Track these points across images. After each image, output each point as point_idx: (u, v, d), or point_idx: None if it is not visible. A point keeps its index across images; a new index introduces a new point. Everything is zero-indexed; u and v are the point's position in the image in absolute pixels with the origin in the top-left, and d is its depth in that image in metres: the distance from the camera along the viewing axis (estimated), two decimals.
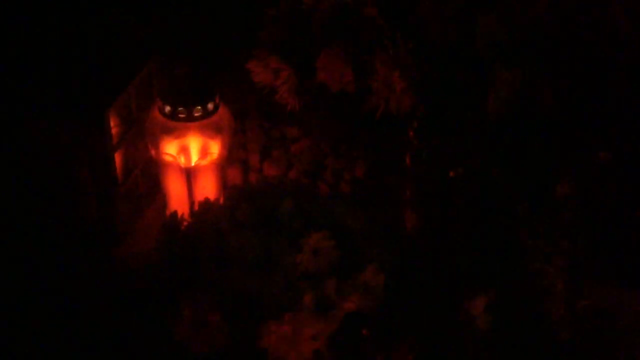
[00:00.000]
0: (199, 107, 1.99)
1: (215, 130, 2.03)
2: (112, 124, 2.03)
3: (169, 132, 2.02)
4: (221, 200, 2.02)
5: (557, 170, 1.86)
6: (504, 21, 1.96)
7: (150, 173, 2.17)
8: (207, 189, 2.07)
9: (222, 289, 1.76)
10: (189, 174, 2.06)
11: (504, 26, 1.95)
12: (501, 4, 1.95)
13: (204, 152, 2.04)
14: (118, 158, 2.08)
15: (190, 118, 1.99)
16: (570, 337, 1.76)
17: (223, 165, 2.12)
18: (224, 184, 2.12)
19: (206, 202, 1.94)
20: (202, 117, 2.00)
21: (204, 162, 2.05)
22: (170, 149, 2.03)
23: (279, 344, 1.68)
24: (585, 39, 1.95)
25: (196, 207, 1.95)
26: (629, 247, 1.91)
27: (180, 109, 1.98)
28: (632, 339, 1.83)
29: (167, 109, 1.98)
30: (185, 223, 1.92)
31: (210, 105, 2.00)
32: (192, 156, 2.04)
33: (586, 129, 1.91)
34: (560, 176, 1.85)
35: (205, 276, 1.78)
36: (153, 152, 2.06)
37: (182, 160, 2.04)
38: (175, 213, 1.93)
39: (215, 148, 2.05)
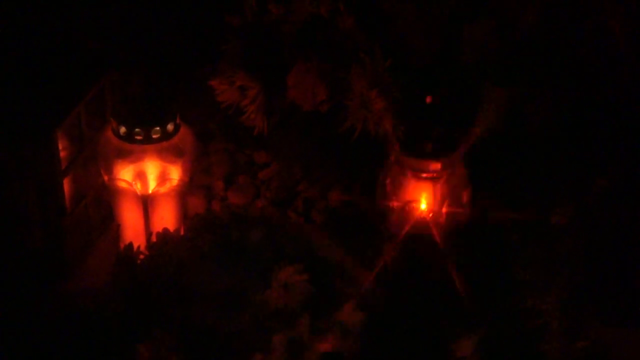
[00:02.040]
0: (158, 128, 1.98)
1: (176, 154, 2.03)
2: (60, 146, 2.02)
3: (124, 155, 2.01)
4: (182, 231, 2.02)
5: (552, 197, 1.88)
6: (493, 31, 1.99)
7: (103, 201, 2.16)
8: (166, 218, 2.07)
9: (184, 327, 1.75)
10: (146, 202, 2.06)
11: (494, 36, 1.99)
12: (490, 13, 1.99)
13: (162, 178, 2.04)
14: (67, 184, 2.07)
15: (147, 140, 1.99)
16: None
17: (184, 193, 2.12)
18: (184, 213, 2.13)
19: (165, 233, 1.94)
20: (160, 139, 2.00)
21: (163, 189, 2.05)
22: (125, 174, 2.03)
23: None
24: (578, 53, 1.99)
25: (154, 239, 1.95)
26: (630, 282, 1.93)
27: (136, 130, 1.98)
28: None
29: (122, 130, 1.98)
30: (141, 256, 1.91)
31: (170, 126, 2.00)
32: (149, 182, 2.04)
33: (581, 154, 1.94)
34: (556, 204, 1.86)
35: (165, 314, 1.78)
36: (106, 177, 2.05)
37: (138, 186, 2.03)
38: (130, 245, 1.93)
39: (176, 173, 2.04)
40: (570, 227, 1.85)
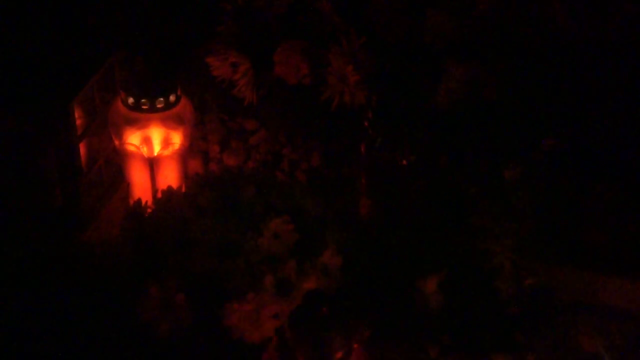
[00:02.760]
0: (162, 99, 2.00)
1: (177, 122, 2.04)
2: (76, 116, 2.02)
3: (132, 123, 2.02)
4: (183, 189, 2.02)
5: (505, 156, 1.89)
6: (451, 15, 1.97)
7: (114, 163, 2.17)
8: (170, 178, 2.08)
9: (187, 271, 1.76)
10: (152, 164, 2.07)
11: (452, 20, 1.97)
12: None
13: (166, 143, 2.05)
14: (82, 149, 2.07)
15: (152, 109, 2.01)
16: (518, 312, 1.79)
17: (185, 155, 2.12)
18: (185, 174, 2.13)
19: (169, 190, 1.94)
20: (164, 109, 2.01)
21: (167, 152, 2.06)
22: (133, 139, 2.04)
23: (242, 323, 1.69)
24: (527, 34, 1.99)
25: (159, 195, 1.96)
26: (573, 229, 1.93)
27: (143, 100, 2.00)
28: (573, 314, 1.88)
29: (130, 100, 2.00)
30: (148, 210, 1.92)
31: (172, 97, 2.01)
32: (154, 146, 2.05)
33: (531, 119, 1.96)
34: (508, 162, 1.87)
35: (170, 260, 1.78)
36: (117, 142, 2.07)
37: (145, 150, 2.04)
38: (139, 201, 1.94)
39: (177, 138, 2.05)
40: (522, 180, 1.85)
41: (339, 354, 1.65)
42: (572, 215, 1.93)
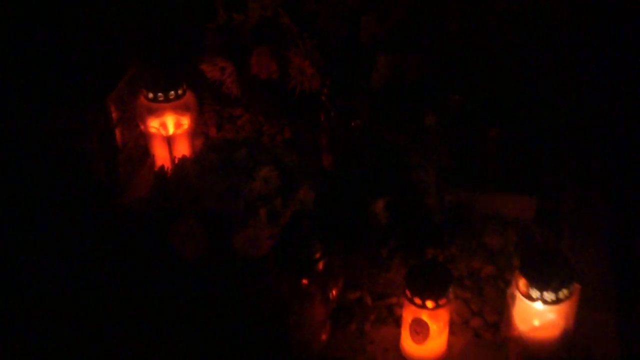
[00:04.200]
0: (172, 92, 2.04)
1: (185, 109, 2.08)
2: (111, 109, 2.06)
3: (152, 112, 2.06)
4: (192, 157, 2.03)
5: (424, 110, 1.94)
6: (379, 20, 2.03)
7: (141, 142, 2.20)
8: (182, 150, 2.10)
9: (202, 212, 1.80)
10: (169, 141, 2.10)
11: (380, 24, 2.03)
12: (376, 9, 2.02)
13: (178, 125, 2.08)
14: (118, 133, 2.11)
15: (166, 100, 2.04)
16: (441, 221, 1.87)
17: (192, 135, 2.14)
18: (193, 147, 2.15)
19: (182, 159, 1.97)
20: (175, 99, 2.05)
21: (179, 132, 2.09)
22: (153, 124, 2.07)
23: (245, 245, 1.74)
24: (429, 32, 2.06)
25: (176, 162, 1.98)
26: (477, 160, 2.01)
27: (159, 94, 2.03)
28: (482, 222, 1.96)
29: (150, 95, 2.03)
30: (169, 174, 1.95)
31: (180, 91, 2.05)
32: (169, 128, 2.08)
33: (441, 83, 2.00)
34: (426, 113, 1.93)
35: (188, 205, 1.82)
36: (142, 127, 2.09)
37: (163, 131, 2.08)
38: (162, 167, 1.96)
39: (186, 122, 2.09)
40: (437, 125, 1.90)
41: (318, 255, 1.66)
42: (475, 151, 1.98)
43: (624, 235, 2.00)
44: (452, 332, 1.75)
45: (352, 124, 2.02)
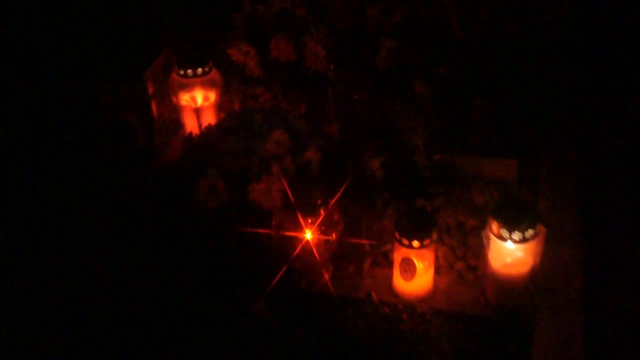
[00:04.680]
0: (201, 69, 2.10)
1: (211, 84, 2.14)
2: (149, 84, 2.14)
3: (183, 86, 2.12)
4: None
5: (416, 80, 1.98)
6: (383, 12, 2.10)
7: (174, 114, 2.26)
8: (209, 120, 2.16)
9: (223, 169, 1.82)
10: (198, 112, 2.17)
11: (384, 14, 2.10)
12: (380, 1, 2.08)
13: (205, 98, 2.15)
14: (154, 106, 2.18)
15: (195, 76, 2.10)
16: (431, 176, 1.91)
17: (217, 107, 2.19)
18: (218, 119, 2.19)
19: (208, 126, 2.06)
20: (202, 75, 2.11)
21: (206, 104, 2.16)
22: (184, 97, 2.13)
23: (260, 197, 1.76)
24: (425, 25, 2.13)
25: (203, 129, 2.07)
26: (462, 125, 2.04)
27: (189, 71, 2.10)
28: (468, 182, 1.99)
29: (181, 71, 2.10)
30: (197, 138, 2.03)
31: (207, 68, 2.12)
32: (198, 101, 2.14)
33: (431, 59, 2.06)
34: (415, 81, 1.96)
35: (212, 163, 1.86)
36: (174, 99, 2.16)
37: (192, 104, 2.14)
38: (190, 134, 2.06)
39: (212, 95, 2.15)
40: (427, 94, 1.94)
41: (319, 201, 1.73)
42: (462, 117, 2.01)
43: (593, 190, 2.05)
44: (438, 274, 1.83)
45: (355, 96, 2.08)
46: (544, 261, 1.71)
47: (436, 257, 1.79)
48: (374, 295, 1.78)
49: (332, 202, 1.77)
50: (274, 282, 1.76)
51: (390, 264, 1.84)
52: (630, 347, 1.75)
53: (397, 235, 1.72)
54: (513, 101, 2.09)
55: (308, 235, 1.75)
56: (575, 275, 1.75)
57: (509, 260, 1.70)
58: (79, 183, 2.07)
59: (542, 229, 1.67)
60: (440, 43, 2.10)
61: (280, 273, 1.77)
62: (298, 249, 1.77)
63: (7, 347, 1.72)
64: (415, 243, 1.72)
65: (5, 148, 2.18)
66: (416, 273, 1.75)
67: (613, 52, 2.53)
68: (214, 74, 2.14)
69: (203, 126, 2.08)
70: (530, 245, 1.68)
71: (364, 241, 1.91)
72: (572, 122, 2.19)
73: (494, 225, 1.68)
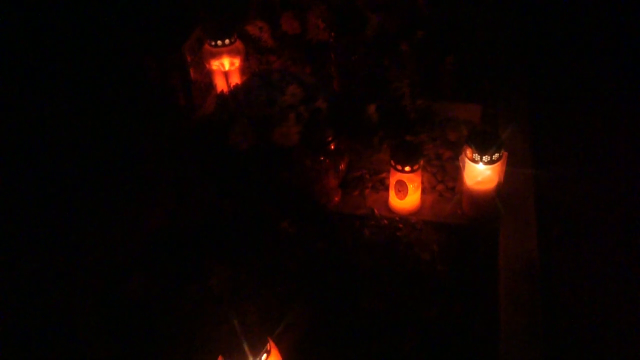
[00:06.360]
0: (227, 40, 2.04)
1: (236, 52, 2.08)
2: (187, 55, 2.09)
3: (214, 55, 2.06)
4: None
5: (400, 40, 1.93)
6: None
7: (207, 78, 2.19)
8: (236, 80, 2.11)
9: (250, 116, 1.75)
10: (226, 75, 2.11)
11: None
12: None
13: (231, 64, 2.09)
14: (191, 71, 2.13)
15: (223, 45, 2.04)
16: (415, 118, 1.88)
17: (242, 70, 2.13)
18: (243, 79, 2.12)
19: (235, 85, 1.95)
20: (229, 45, 2.05)
21: (232, 69, 2.10)
22: (215, 63, 2.08)
23: (280, 138, 1.69)
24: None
25: (232, 87, 1.96)
26: (438, 78, 2.00)
27: (218, 42, 2.04)
28: (443, 123, 1.95)
29: (212, 42, 2.04)
30: (227, 95, 1.90)
31: (232, 39, 2.05)
32: (226, 66, 2.09)
33: (411, 24, 2.00)
34: (402, 43, 1.93)
35: (241, 112, 1.78)
36: (207, 66, 2.10)
37: (221, 68, 2.09)
38: (222, 92, 1.94)
39: (237, 61, 2.09)
40: (410, 51, 1.88)
41: (329, 138, 1.71)
42: (437, 71, 1.97)
43: (539, 124, 2.04)
44: (424, 193, 1.81)
45: (352, 58, 2.03)
46: (505, 179, 1.68)
47: (422, 181, 1.78)
48: (375, 210, 1.75)
49: (339, 139, 1.75)
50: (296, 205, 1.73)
51: (386, 188, 1.84)
52: (574, 241, 1.75)
53: (393, 163, 1.70)
54: (475, 59, 2.08)
55: (321, 165, 1.72)
56: (529, 190, 1.75)
57: (479, 178, 1.68)
58: (136, 135, 2.04)
59: (504, 153, 1.64)
60: (411, 18, 2.06)
61: (300, 198, 1.74)
62: (313, 177, 1.74)
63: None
64: (407, 168, 1.70)
65: (76, 108, 2.14)
66: (408, 192, 1.73)
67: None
68: (238, 43, 2.08)
69: (231, 85, 2.02)
70: (496, 166, 1.66)
71: (365, 171, 1.89)
72: (519, 73, 2.16)
73: (469, 151, 1.65)
